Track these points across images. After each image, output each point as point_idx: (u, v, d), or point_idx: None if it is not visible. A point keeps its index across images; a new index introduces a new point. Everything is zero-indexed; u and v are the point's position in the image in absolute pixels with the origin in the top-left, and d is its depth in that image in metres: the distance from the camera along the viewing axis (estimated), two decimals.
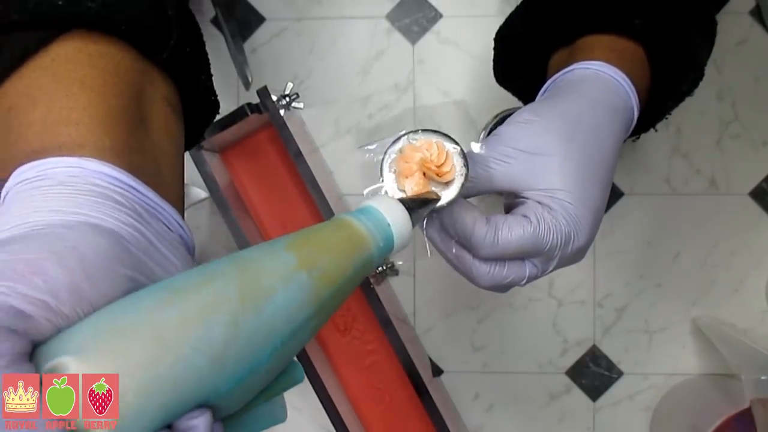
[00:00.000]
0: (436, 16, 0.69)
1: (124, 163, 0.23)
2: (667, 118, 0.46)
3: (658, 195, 0.68)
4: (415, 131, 0.32)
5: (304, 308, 0.22)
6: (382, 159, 0.32)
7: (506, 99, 0.69)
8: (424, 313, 0.70)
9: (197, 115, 0.32)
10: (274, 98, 0.57)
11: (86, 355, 0.17)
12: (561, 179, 0.32)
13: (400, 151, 0.32)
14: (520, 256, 0.33)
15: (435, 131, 0.32)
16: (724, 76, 0.67)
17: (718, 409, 0.59)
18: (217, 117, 0.56)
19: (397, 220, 0.27)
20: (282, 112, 0.57)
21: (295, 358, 0.26)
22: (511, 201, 0.35)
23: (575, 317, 0.69)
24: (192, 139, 0.34)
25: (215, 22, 0.70)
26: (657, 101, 0.41)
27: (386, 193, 0.32)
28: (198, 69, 0.30)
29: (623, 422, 0.70)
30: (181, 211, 0.28)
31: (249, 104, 0.56)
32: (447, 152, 0.32)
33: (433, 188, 0.32)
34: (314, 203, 0.56)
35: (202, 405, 0.18)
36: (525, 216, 0.32)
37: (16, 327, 0.16)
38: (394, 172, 0.32)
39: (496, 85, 0.73)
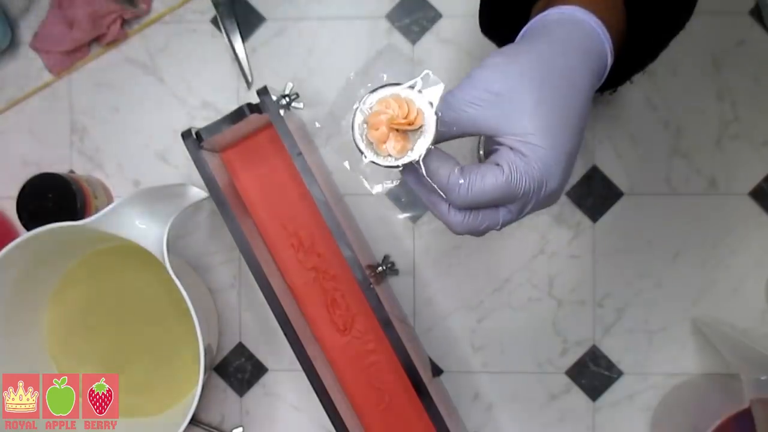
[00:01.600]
0: (436, 16, 0.69)
1: None
2: (643, 72, 0.45)
3: (658, 195, 0.68)
4: (364, 98, 0.33)
5: None
6: (354, 138, 0.33)
7: None
8: (424, 313, 0.70)
9: None
10: (274, 98, 0.57)
11: None
12: (533, 123, 0.32)
13: (366, 122, 0.32)
14: (493, 204, 0.33)
15: (384, 86, 0.32)
16: (724, 76, 0.67)
17: (718, 409, 0.59)
18: (217, 117, 0.56)
19: None
20: (282, 112, 0.57)
21: None
22: (490, 146, 0.35)
23: (575, 317, 0.69)
24: None
25: (215, 22, 0.70)
26: (633, 51, 0.40)
27: (372, 164, 0.32)
28: None
29: (623, 422, 0.70)
30: None
31: (249, 104, 0.56)
32: (406, 100, 0.32)
33: (411, 137, 0.32)
34: (314, 203, 0.56)
35: None
36: (498, 165, 0.32)
37: None
38: (372, 143, 0.32)
39: None
